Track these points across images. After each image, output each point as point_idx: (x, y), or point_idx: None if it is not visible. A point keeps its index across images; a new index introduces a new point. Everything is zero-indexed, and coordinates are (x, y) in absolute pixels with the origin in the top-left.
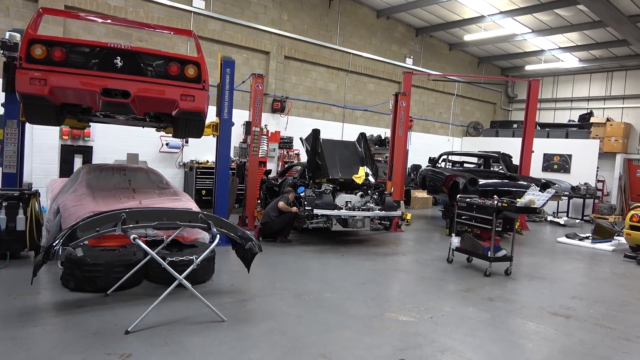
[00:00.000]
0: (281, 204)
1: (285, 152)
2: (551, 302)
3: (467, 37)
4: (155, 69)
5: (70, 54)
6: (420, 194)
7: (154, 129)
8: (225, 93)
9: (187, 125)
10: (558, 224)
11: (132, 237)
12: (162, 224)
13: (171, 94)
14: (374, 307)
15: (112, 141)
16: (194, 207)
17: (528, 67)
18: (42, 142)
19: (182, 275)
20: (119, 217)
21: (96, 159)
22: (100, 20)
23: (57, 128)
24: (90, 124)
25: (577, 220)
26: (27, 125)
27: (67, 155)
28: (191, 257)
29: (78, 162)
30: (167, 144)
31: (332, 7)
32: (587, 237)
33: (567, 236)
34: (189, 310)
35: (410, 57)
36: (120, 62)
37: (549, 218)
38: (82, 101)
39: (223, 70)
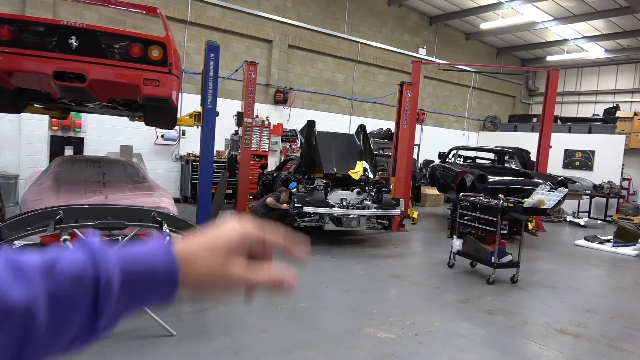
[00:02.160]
0: (269, 200)
1: (288, 146)
2: (560, 316)
3: (484, 26)
4: (115, 50)
5: (20, 33)
6: (431, 191)
7: (128, 118)
8: (209, 80)
9: (157, 113)
10: (578, 224)
11: (62, 238)
12: (103, 224)
13: (132, 78)
14: (352, 320)
15: (104, 132)
16: (167, 204)
17: (550, 58)
18: (30, 133)
19: None
20: (54, 215)
21: (88, 151)
22: None
23: (46, 118)
24: (82, 114)
25: (599, 221)
26: (14, 115)
27: (57, 146)
28: None
29: (69, 153)
30: (162, 136)
31: None
32: (608, 240)
33: (587, 239)
34: (139, 321)
35: (423, 47)
36: (76, 42)
37: (569, 218)
38: (36, 86)
39: (207, 56)
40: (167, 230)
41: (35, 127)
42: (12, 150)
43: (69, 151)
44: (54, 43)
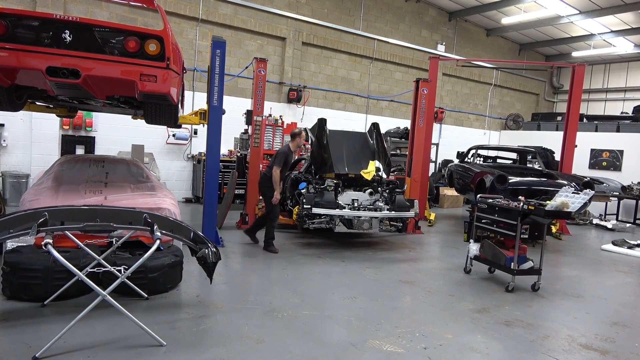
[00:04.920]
0: (275, 172)
1: (302, 145)
2: (585, 329)
3: (505, 20)
4: (111, 45)
5: (12, 28)
6: (450, 192)
7: (130, 116)
8: (215, 77)
9: (156, 111)
10: (605, 228)
11: (43, 242)
12: (90, 226)
13: (128, 73)
14: (356, 330)
15: (116, 132)
16: (169, 204)
17: (575, 54)
18: (41, 132)
19: (107, 290)
20: (39, 217)
21: (99, 150)
22: None
23: (57, 117)
24: (93, 113)
25: (628, 225)
26: (25, 114)
27: (68, 146)
28: (119, 268)
29: (80, 153)
30: (173, 135)
31: None
32: (638, 245)
33: (614, 243)
34: (129, 329)
35: (442, 44)
36: (70, 36)
37: (595, 221)
38: (31, 82)
39: (213, 52)
40: (159, 233)
41: (46, 126)
42: (23, 150)
43: (80, 150)
44: (47, 38)
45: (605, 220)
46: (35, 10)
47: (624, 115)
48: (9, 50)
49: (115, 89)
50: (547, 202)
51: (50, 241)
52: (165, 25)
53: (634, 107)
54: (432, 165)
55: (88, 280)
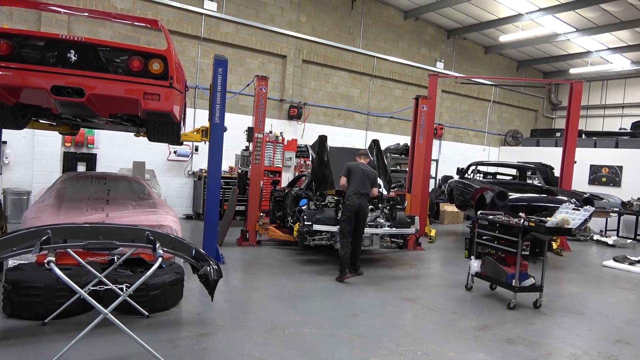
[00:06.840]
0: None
1: (302, 162)
2: (588, 346)
3: (503, 38)
4: (115, 64)
5: (18, 47)
6: (450, 208)
7: (133, 133)
8: (216, 95)
9: (159, 128)
10: (606, 244)
11: (46, 260)
12: (92, 244)
13: (132, 92)
14: (358, 349)
15: (117, 148)
16: (170, 221)
17: (573, 71)
18: (43, 149)
19: (109, 308)
20: (42, 235)
21: (100, 167)
22: (63, 10)
23: (59, 135)
24: (95, 131)
25: (629, 241)
26: (28, 131)
27: (69, 162)
28: (121, 286)
29: (81, 170)
30: (175, 152)
31: (355, 8)
32: (639, 261)
33: (615, 259)
34: (130, 347)
35: (441, 61)
36: (75, 56)
37: (596, 237)
38: (36, 101)
39: (215, 70)
40: (161, 251)
41: (48, 143)
42: (25, 167)
43: (81, 167)
44: (52, 57)
45: (606, 237)
46: (39, 29)
47: (623, 131)
48: (15, 70)
49: (119, 107)
50: (548, 218)
51: (53, 259)
52: (169, 45)
53: (632, 123)
54: (432, 182)
55: (89, 298)
